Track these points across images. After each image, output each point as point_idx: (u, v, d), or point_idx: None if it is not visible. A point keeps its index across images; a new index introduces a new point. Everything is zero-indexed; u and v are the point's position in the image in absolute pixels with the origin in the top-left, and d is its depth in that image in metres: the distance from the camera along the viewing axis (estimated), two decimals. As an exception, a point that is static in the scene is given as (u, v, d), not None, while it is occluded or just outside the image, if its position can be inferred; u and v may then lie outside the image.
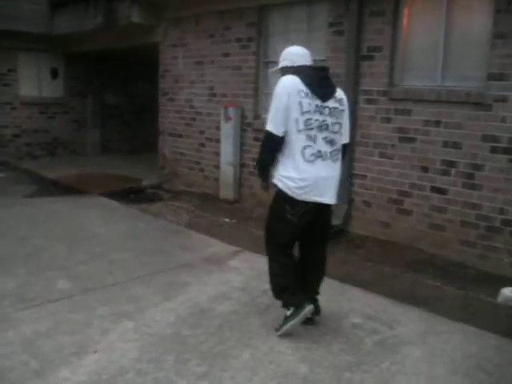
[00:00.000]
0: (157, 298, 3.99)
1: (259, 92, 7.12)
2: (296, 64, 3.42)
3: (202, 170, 8.09)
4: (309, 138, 3.27)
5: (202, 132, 8.03)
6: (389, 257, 5.22)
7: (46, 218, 6.44)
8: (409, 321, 3.74)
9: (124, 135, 13.01)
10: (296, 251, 3.63)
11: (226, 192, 7.45)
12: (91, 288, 4.16)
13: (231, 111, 7.21)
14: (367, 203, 5.81)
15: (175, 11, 8.20)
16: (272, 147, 3.33)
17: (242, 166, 7.32)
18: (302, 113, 3.24)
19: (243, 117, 7.23)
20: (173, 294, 4.08)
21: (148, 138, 12.36)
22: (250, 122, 7.16)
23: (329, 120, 3.32)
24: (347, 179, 5.85)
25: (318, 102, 3.28)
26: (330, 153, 3.35)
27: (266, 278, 3.60)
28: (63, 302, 3.88)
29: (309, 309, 3.39)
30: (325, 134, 3.31)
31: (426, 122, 5.23)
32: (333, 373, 3.01)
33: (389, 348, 3.33)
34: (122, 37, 9.50)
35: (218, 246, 5.42)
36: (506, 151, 4.70)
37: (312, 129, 3.27)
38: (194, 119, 8.16)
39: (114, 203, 7.44)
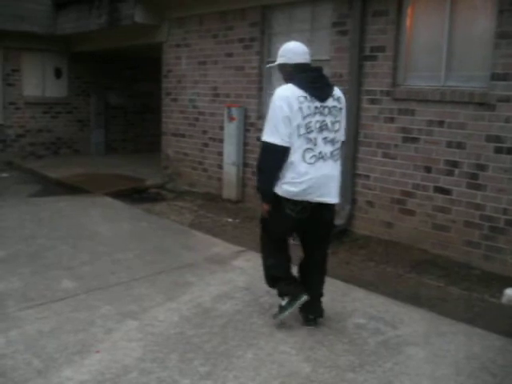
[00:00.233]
0: (160, 298, 4.00)
1: (262, 92, 7.12)
2: (293, 62, 3.41)
3: (205, 169, 8.10)
4: (309, 140, 3.27)
5: (205, 132, 8.04)
6: (392, 257, 5.21)
7: (50, 217, 6.45)
8: (412, 321, 3.73)
9: (127, 135, 13.04)
10: (298, 251, 3.64)
11: (229, 192, 7.45)
12: (95, 287, 4.17)
13: (234, 111, 7.22)
14: (370, 203, 5.80)
15: (178, 11, 8.21)
16: (277, 160, 3.26)
17: (245, 165, 7.32)
18: (303, 117, 3.24)
19: (246, 117, 7.24)
20: (176, 294, 4.08)
21: (151, 137, 12.39)
22: (254, 122, 7.17)
23: (328, 119, 3.33)
24: (350, 179, 5.86)
25: (317, 104, 3.29)
26: (331, 153, 3.36)
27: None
28: (67, 301, 3.89)
29: (304, 298, 3.44)
30: (325, 134, 3.32)
31: (430, 122, 5.22)
32: (336, 373, 3.01)
33: (392, 348, 3.33)
34: (125, 37, 9.52)
35: (221, 246, 5.43)
36: (510, 151, 4.69)
37: (312, 131, 3.27)
38: (198, 119, 8.16)
39: (117, 203, 7.45)
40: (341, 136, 3.47)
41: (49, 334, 3.35)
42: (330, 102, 3.35)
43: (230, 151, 7.33)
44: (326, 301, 3.67)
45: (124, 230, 5.99)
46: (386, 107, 5.57)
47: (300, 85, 3.26)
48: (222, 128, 7.52)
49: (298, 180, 3.26)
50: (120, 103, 12.77)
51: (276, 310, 3.61)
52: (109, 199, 7.67)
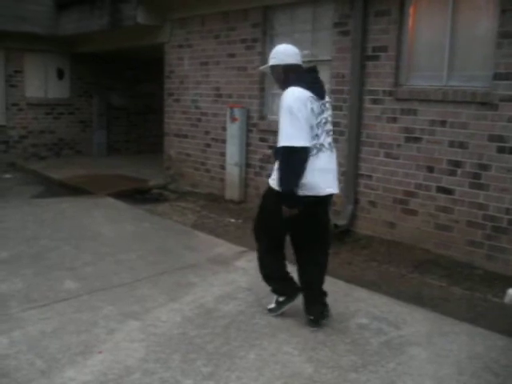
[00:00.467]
0: (163, 299, 4.00)
1: (265, 93, 7.12)
2: (284, 62, 3.48)
3: (207, 170, 8.10)
4: (316, 136, 3.34)
5: (207, 133, 8.05)
6: (394, 257, 5.20)
7: (52, 218, 6.46)
8: (415, 321, 3.73)
9: (130, 136, 13.05)
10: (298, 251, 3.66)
11: (232, 192, 7.45)
12: (98, 288, 4.18)
13: (237, 112, 7.22)
14: (373, 203, 5.79)
15: (180, 12, 8.21)
16: (303, 163, 3.28)
17: (248, 166, 7.32)
18: (316, 117, 3.33)
19: (249, 117, 7.24)
20: (179, 295, 4.09)
21: (154, 138, 12.41)
22: (256, 123, 7.17)
23: (326, 114, 3.45)
24: (352, 179, 5.86)
25: (321, 102, 3.39)
26: (329, 144, 3.46)
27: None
28: (70, 302, 3.90)
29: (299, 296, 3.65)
30: (326, 127, 3.43)
31: (432, 122, 5.21)
32: (338, 373, 3.01)
33: (395, 348, 3.32)
34: (127, 37, 9.54)
35: (223, 247, 5.43)
36: (512, 151, 4.69)
37: (319, 128, 3.36)
38: (200, 120, 8.17)
39: (120, 204, 7.46)
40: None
41: (51, 335, 3.36)
42: (326, 98, 3.50)
43: (233, 152, 7.33)
44: (328, 301, 3.67)
45: (127, 231, 6.00)
46: (389, 107, 5.56)
47: (306, 86, 3.32)
48: (224, 129, 7.53)
49: (311, 177, 3.32)
50: (122, 104, 12.79)
51: (273, 303, 3.75)
52: (111, 200, 7.69)
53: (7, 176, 9.81)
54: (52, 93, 11.74)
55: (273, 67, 3.56)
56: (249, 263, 4.85)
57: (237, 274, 4.59)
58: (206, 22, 7.82)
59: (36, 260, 4.84)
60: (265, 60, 6.91)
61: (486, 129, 4.84)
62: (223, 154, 7.59)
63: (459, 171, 5.05)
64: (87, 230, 5.92)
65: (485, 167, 4.87)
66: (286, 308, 3.70)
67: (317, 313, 3.56)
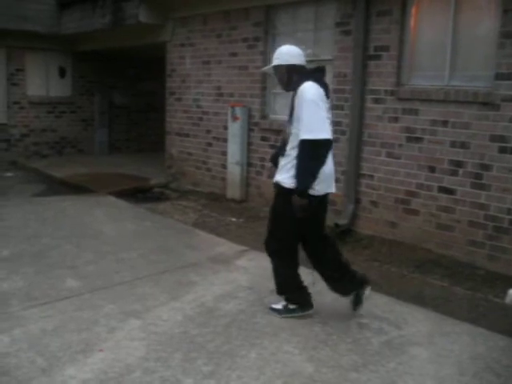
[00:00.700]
0: (164, 297, 4.00)
1: (266, 92, 7.12)
2: (287, 63, 3.49)
3: (209, 169, 8.10)
4: None
5: (209, 131, 8.05)
6: (396, 257, 5.20)
7: (54, 216, 6.47)
8: (416, 321, 3.72)
9: (131, 134, 13.05)
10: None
11: (233, 191, 7.45)
12: (99, 287, 4.18)
13: (238, 111, 7.22)
14: (374, 203, 5.79)
15: (182, 11, 8.21)
16: (326, 153, 3.31)
17: (249, 165, 7.32)
18: (327, 113, 3.38)
19: (250, 116, 7.24)
20: (180, 293, 4.09)
21: (155, 137, 12.41)
22: (257, 122, 7.16)
23: (330, 114, 3.47)
24: (353, 179, 5.85)
25: (328, 100, 3.44)
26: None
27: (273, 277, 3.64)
28: (71, 300, 3.90)
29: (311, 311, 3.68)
30: (331, 127, 3.46)
31: (434, 122, 5.21)
32: (339, 373, 3.01)
33: (396, 348, 3.32)
34: (129, 36, 9.54)
35: (225, 246, 5.43)
36: (514, 151, 4.68)
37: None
38: (201, 119, 8.17)
39: (121, 202, 7.47)
40: None
41: (52, 333, 3.36)
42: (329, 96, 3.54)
43: (234, 151, 7.33)
44: (328, 301, 3.67)
45: (128, 230, 6.00)
46: (390, 107, 5.56)
47: (319, 83, 3.34)
48: (225, 127, 7.52)
49: (322, 176, 3.33)
50: (124, 102, 12.79)
51: (279, 304, 3.73)
52: (112, 198, 7.69)
53: (9, 174, 9.81)
54: (54, 91, 11.74)
55: (276, 68, 3.55)
56: (250, 262, 4.85)
57: (238, 273, 4.59)
58: (208, 21, 7.82)
59: (37, 258, 4.84)
60: (266, 59, 6.96)
61: (487, 129, 4.84)
62: (224, 153, 7.59)
63: (461, 171, 5.04)
64: (88, 229, 5.93)
65: (486, 167, 4.86)
66: (292, 315, 3.66)
67: (357, 284, 3.64)
